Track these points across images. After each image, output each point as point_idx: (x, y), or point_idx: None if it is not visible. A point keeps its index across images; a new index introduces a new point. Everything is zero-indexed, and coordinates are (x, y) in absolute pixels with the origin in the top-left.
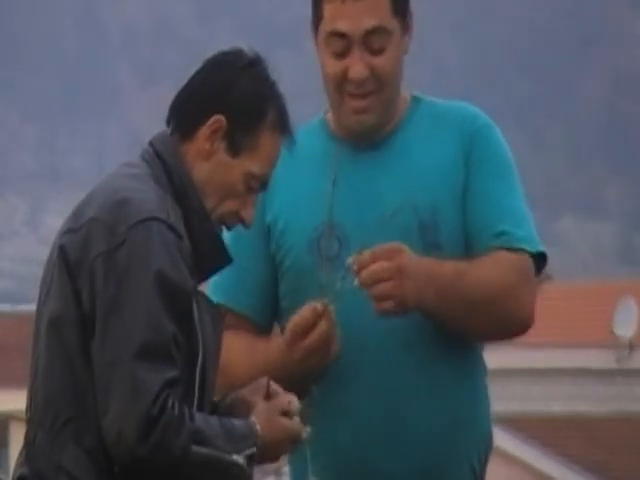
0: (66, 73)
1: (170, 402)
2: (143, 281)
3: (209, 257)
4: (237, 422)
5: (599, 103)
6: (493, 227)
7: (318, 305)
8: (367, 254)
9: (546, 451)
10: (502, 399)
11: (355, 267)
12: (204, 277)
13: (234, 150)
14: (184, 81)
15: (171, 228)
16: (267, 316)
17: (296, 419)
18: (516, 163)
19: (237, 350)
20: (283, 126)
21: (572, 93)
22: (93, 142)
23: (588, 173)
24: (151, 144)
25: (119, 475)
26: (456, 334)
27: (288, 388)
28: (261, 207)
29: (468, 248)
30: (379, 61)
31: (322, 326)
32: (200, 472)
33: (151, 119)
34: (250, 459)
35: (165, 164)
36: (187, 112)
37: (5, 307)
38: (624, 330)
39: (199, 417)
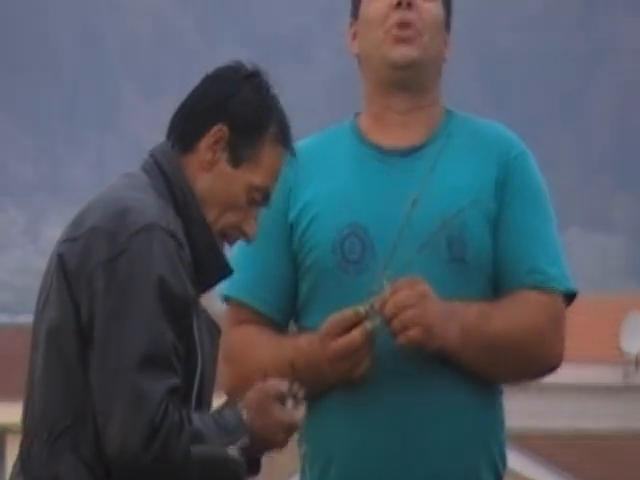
0: (66, 84)
1: (171, 409)
2: (144, 290)
3: (209, 269)
4: (227, 413)
5: (608, 117)
6: (527, 262)
7: (361, 309)
8: (388, 290)
9: (551, 468)
10: (507, 414)
11: (377, 305)
12: (204, 289)
13: (236, 161)
14: (185, 92)
15: (172, 236)
16: (285, 314)
17: (289, 404)
18: None
19: (260, 341)
20: (284, 138)
21: (581, 107)
22: (93, 153)
23: (596, 186)
24: (152, 155)
25: None
26: (479, 375)
27: (311, 381)
28: (285, 205)
29: (497, 275)
30: (427, 5)
31: (355, 334)
32: (199, 471)
33: (152, 130)
34: (243, 450)
35: (165, 175)
36: (189, 123)
37: (3, 318)
38: (631, 345)
39: (195, 417)
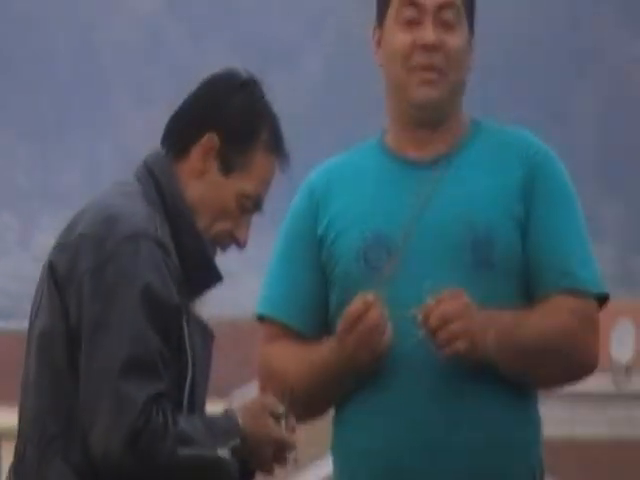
0: (59, 92)
1: (154, 414)
2: (129, 297)
3: (199, 275)
4: (219, 416)
5: (594, 124)
6: (559, 266)
7: (369, 295)
8: (431, 301)
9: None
10: None
11: (421, 316)
12: (195, 295)
13: (227, 169)
14: (177, 100)
15: (159, 244)
16: (317, 328)
17: (283, 425)
18: None
19: (286, 356)
20: (277, 146)
21: (566, 113)
22: (86, 161)
23: (583, 194)
24: (145, 162)
25: None
26: (515, 380)
27: (338, 391)
28: (312, 220)
29: (528, 278)
30: (449, 37)
31: (371, 314)
32: (187, 472)
33: (144, 138)
34: (234, 451)
35: (157, 182)
36: (180, 131)
37: None
38: (622, 353)
39: (182, 419)
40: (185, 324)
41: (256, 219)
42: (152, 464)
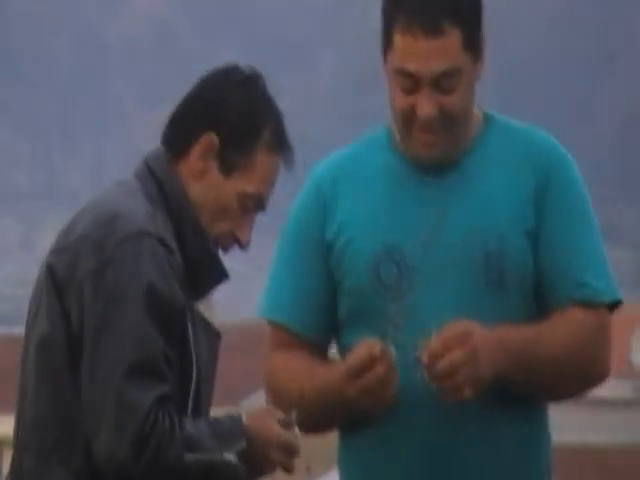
0: (63, 90)
1: (161, 418)
2: (132, 298)
3: (203, 273)
4: (224, 419)
5: (613, 129)
6: (575, 276)
7: (376, 348)
8: (437, 344)
9: None
10: None
11: (425, 359)
12: (200, 294)
13: (227, 169)
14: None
15: (161, 242)
16: (324, 333)
17: (295, 431)
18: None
19: (293, 374)
20: (280, 145)
21: (586, 117)
22: (91, 161)
23: (603, 198)
24: (144, 161)
25: None
26: (530, 394)
27: (343, 418)
28: (320, 223)
29: (541, 290)
30: (449, 100)
31: (379, 370)
32: (194, 477)
33: (151, 136)
34: (241, 454)
35: (157, 180)
36: (180, 130)
37: (0, 330)
38: None
39: (188, 423)
40: (189, 324)
41: (262, 219)
42: (158, 470)
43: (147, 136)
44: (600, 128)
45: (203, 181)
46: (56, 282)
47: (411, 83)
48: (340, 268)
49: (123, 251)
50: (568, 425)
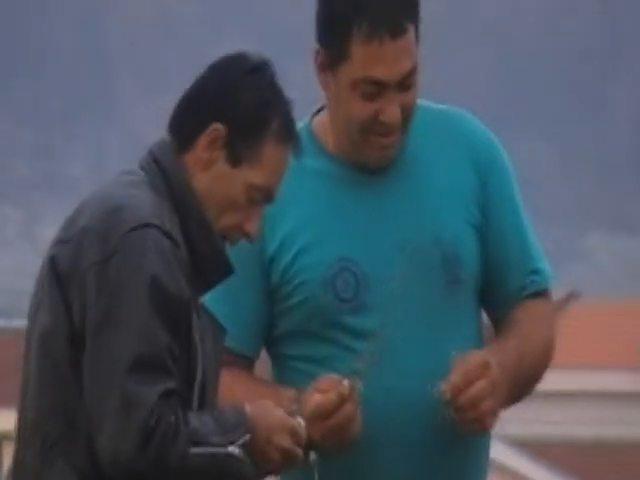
0: (64, 77)
1: (165, 413)
2: (136, 292)
3: (209, 267)
4: (228, 410)
5: (629, 115)
6: (525, 265)
7: (345, 388)
8: (459, 378)
9: (570, 478)
10: (523, 422)
11: (448, 396)
12: (205, 289)
13: (234, 160)
14: (186, 86)
15: (167, 235)
16: (255, 348)
17: (300, 421)
18: (544, 177)
19: (239, 395)
20: (289, 135)
21: (601, 105)
22: (92, 149)
23: (618, 187)
24: (150, 152)
25: None
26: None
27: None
28: (260, 238)
29: (489, 282)
30: (409, 98)
31: (346, 409)
32: (199, 472)
33: (153, 125)
34: (245, 446)
35: (163, 171)
36: (186, 120)
37: None
38: None
39: (192, 416)
40: (195, 319)
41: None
42: (163, 466)
43: (149, 124)
44: (615, 114)
45: (210, 172)
46: (58, 274)
47: (375, 89)
48: (289, 282)
49: (127, 244)
50: (579, 420)
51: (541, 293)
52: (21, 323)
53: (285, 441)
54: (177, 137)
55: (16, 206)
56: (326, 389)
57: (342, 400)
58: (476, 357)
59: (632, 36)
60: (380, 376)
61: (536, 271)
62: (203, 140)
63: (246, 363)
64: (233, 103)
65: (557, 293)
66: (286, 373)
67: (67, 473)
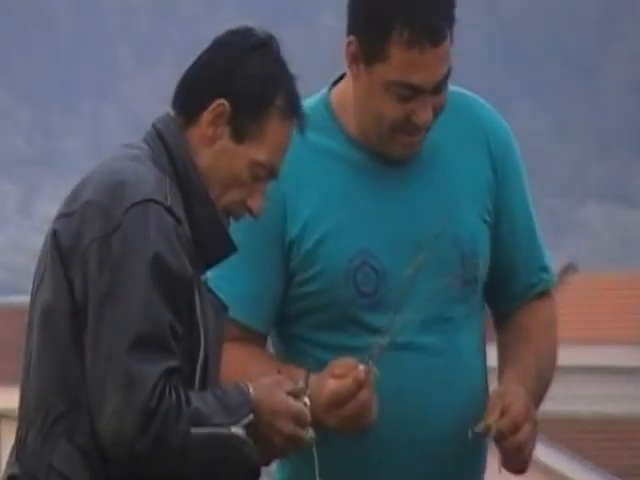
0: (61, 52)
1: (167, 391)
2: (138, 268)
3: (211, 245)
4: (231, 390)
5: (626, 85)
6: (534, 262)
7: (360, 373)
8: (508, 425)
9: (571, 455)
10: None
11: (496, 439)
12: (207, 266)
13: (238, 136)
14: (185, 60)
15: (169, 211)
16: (271, 326)
17: (306, 401)
18: (539, 146)
19: (253, 372)
20: (293, 111)
21: (598, 75)
22: (89, 124)
23: (615, 158)
24: (154, 126)
25: (115, 475)
26: None
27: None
28: (280, 216)
29: (494, 277)
30: (441, 98)
31: (363, 395)
32: (201, 452)
33: (150, 100)
34: (249, 427)
35: (167, 146)
36: (190, 95)
37: None
38: None
39: (194, 396)
40: (197, 297)
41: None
42: (165, 446)
43: (145, 98)
44: (611, 83)
45: (214, 148)
46: (61, 249)
47: (410, 92)
48: (309, 269)
49: (130, 220)
50: (581, 397)
51: (545, 293)
52: (18, 299)
53: (288, 426)
54: (181, 112)
55: (13, 182)
56: (342, 374)
57: (358, 386)
58: (518, 400)
59: (627, 4)
60: (391, 374)
61: (544, 268)
62: (207, 116)
63: (261, 341)
64: (237, 79)
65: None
66: (294, 353)
67: (70, 451)
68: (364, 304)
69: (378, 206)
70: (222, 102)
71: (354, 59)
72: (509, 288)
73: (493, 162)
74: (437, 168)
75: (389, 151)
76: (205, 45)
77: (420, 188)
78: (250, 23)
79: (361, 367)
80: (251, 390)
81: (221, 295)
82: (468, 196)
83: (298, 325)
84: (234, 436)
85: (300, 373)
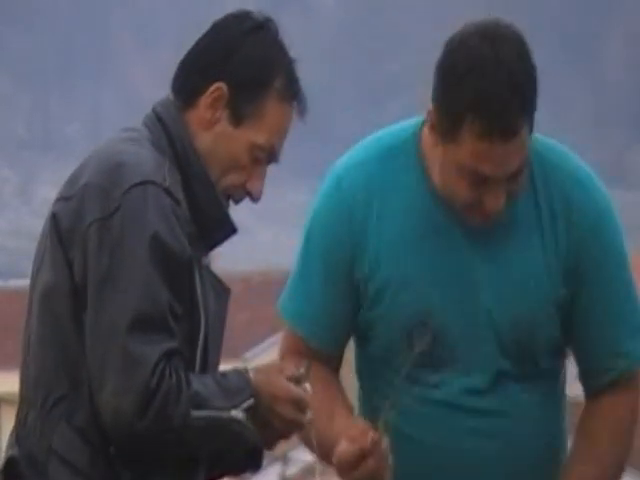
0: (59, 34)
1: (167, 373)
2: (137, 249)
3: (212, 226)
4: (230, 374)
5: (624, 65)
6: (612, 348)
7: (366, 441)
8: None
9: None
10: None
11: None
12: (208, 248)
13: (237, 119)
14: (184, 43)
15: (167, 192)
16: (340, 347)
17: (306, 387)
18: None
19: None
20: (292, 93)
21: (596, 55)
22: (88, 107)
23: (613, 139)
24: (154, 109)
25: (115, 456)
26: None
27: None
28: (350, 250)
29: (575, 355)
30: (515, 185)
31: (369, 464)
32: (201, 435)
33: (149, 83)
34: (249, 411)
35: (166, 128)
36: (189, 79)
37: None
38: None
39: (195, 379)
40: (197, 278)
41: (271, 170)
42: (164, 427)
43: (144, 82)
44: (610, 67)
45: (213, 131)
46: (60, 231)
47: (481, 179)
48: (372, 309)
49: (129, 201)
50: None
51: (623, 380)
52: (17, 283)
53: (288, 411)
54: (180, 96)
55: (12, 166)
56: (354, 438)
57: (363, 454)
58: None
59: None
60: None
61: (623, 354)
62: (205, 99)
63: (327, 359)
64: (235, 62)
65: None
66: (364, 364)
67: (69, 432)
68: (415, 360)
69: (445, 270)
70: (220, 85)
71: (432, 128)
72: (582, 371)
73: (571, 236)
74: (513, 241)
75: (468, 218)
76: (205, 28)
77: (492, 258)
78: (250, 6)
79: (370, 434)
80: (251, 375)
81: (294, 309)
82: (539, 277)
83: (364, 345)
84: (234, 419)
85: (358, 423)
